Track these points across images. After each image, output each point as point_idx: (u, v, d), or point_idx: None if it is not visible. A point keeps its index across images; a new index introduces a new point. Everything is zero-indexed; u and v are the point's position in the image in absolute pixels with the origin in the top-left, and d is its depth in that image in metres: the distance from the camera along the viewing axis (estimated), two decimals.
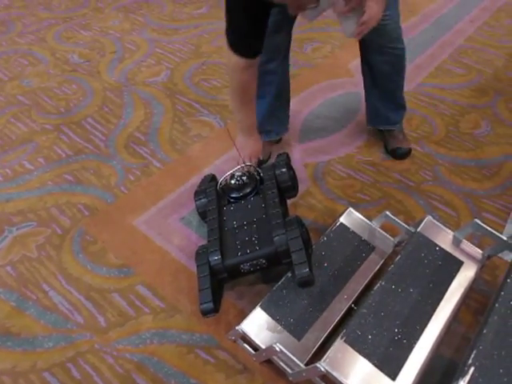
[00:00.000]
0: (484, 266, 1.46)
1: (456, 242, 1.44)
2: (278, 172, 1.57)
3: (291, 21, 1.63)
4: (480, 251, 1.45)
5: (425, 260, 1.37)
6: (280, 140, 1.99)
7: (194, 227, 1.69)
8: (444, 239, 1.45)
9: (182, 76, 2.39)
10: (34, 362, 1.32)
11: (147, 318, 1.42)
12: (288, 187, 1.58)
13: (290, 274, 1.40)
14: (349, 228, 1.55)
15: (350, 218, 1.59)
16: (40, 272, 1.53)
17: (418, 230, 1.44)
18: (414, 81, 2.44)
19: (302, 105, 2.23)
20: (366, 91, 1.94)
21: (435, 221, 1.50)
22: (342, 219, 1.57)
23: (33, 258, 1.57)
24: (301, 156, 1.97)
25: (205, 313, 1.35)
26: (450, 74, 2.51)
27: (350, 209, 1.61)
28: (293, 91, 2.34)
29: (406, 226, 1.51)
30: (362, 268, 1.46)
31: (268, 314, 1.32)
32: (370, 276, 1.46)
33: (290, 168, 1.63)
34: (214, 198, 1.59)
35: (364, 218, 1.58)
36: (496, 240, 1.40)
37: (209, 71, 2.43)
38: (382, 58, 1.72)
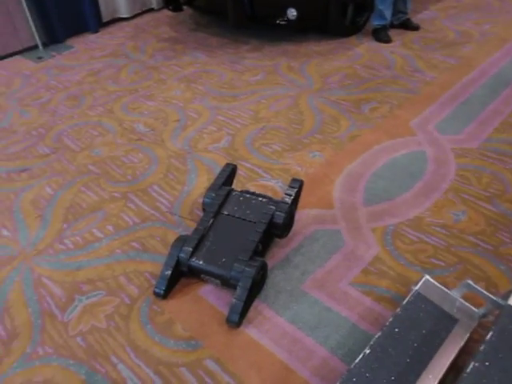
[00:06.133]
0: None
1: None
2: (276, 213, 1.68)
3: None
4: None
5: None
6: None
7: (261, 296, 1.64)
8: None
9: (243, 141, 2.44)
10: None
11: None
12: (277, 227, 1.70)
13: (367, 351, 1.31)
14: (427, 298, 1.45)
15: (427, 287, 1.49)
16: (109, 343, 1.52)
17: (509, 302, 1.32)
18: (478, 137, 2.36)
19: (365, 166, 2.19)
20: None
21: None
22: (419, 289, 1.48)
23: (102, 329, 1.57)
24: (367, 220, 1.90)
25: (156, 295, 1.64)
26: None
27: (427, 277, 1.51)
28: (354, 153, 2.32)
29: (492, 297, 1.39)
30: (445, 343, 1.35)
31: None
32: (456, 352, 1.34)
33: (290, 210, 1.72)
34: (218, 203, 1.75)
35: (443, 287, 1.48)
36: None
37: (269, 136, 2.47)
38: None
